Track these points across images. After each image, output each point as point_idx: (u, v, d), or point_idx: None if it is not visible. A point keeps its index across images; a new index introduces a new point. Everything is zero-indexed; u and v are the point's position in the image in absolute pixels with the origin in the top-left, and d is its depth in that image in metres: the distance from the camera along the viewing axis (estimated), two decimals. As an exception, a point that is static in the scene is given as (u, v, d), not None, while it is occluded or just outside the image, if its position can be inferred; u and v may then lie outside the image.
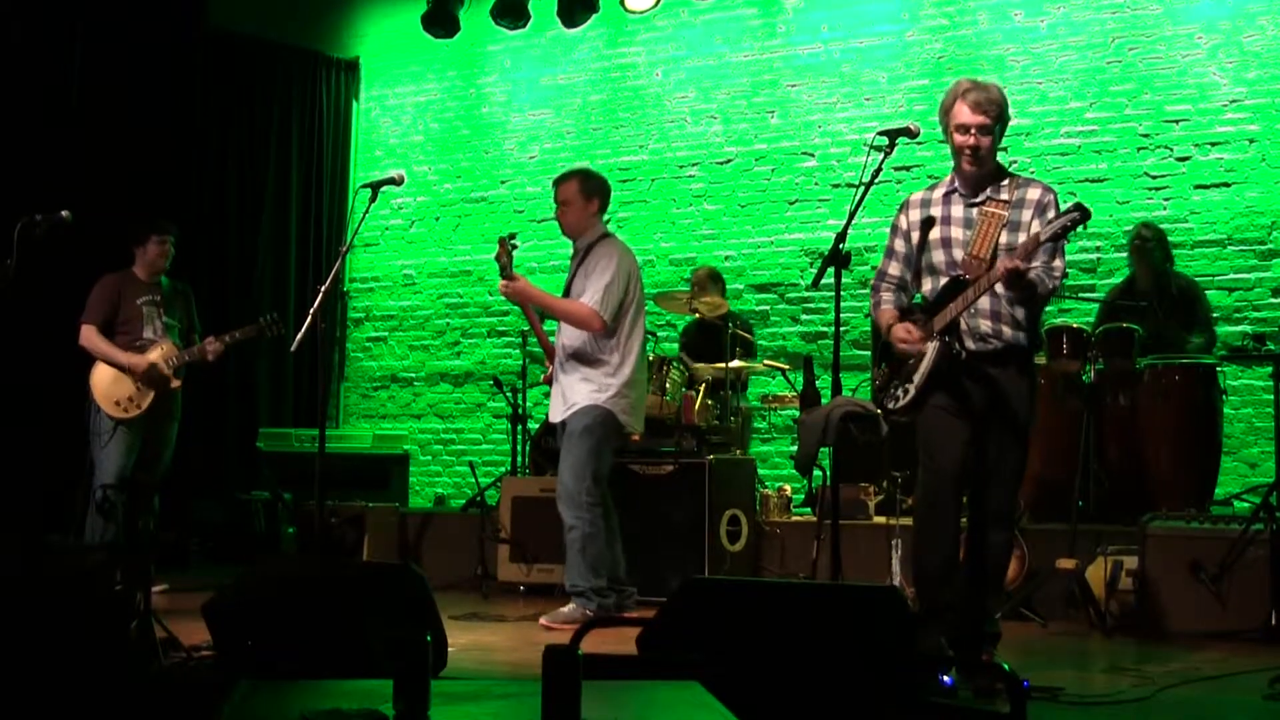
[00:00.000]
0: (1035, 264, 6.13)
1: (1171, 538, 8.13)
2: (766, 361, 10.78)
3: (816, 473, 8.74)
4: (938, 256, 6.35)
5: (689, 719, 3.09)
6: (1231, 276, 11.17)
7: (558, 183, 8.58)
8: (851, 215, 6.38)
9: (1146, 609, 8.04)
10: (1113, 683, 6.40)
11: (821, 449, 7.42)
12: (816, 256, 12.42)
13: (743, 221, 13.09)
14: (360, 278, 14.69)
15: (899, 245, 6.51)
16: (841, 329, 6.81)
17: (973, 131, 6.27)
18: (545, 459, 10.14)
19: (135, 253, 9.73)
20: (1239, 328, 10.78)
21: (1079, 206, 5.98)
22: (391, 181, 8.18)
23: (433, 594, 5.31)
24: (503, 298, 8.59)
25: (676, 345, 11.30)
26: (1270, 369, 8.94)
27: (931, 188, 6.53)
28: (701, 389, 9.98)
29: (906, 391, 6.33)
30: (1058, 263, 6.20)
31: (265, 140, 14.04)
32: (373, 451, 12.14)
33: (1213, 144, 11.42)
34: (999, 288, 6.08)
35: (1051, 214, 6.18)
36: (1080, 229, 6.04)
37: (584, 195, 8.46)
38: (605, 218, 8.59)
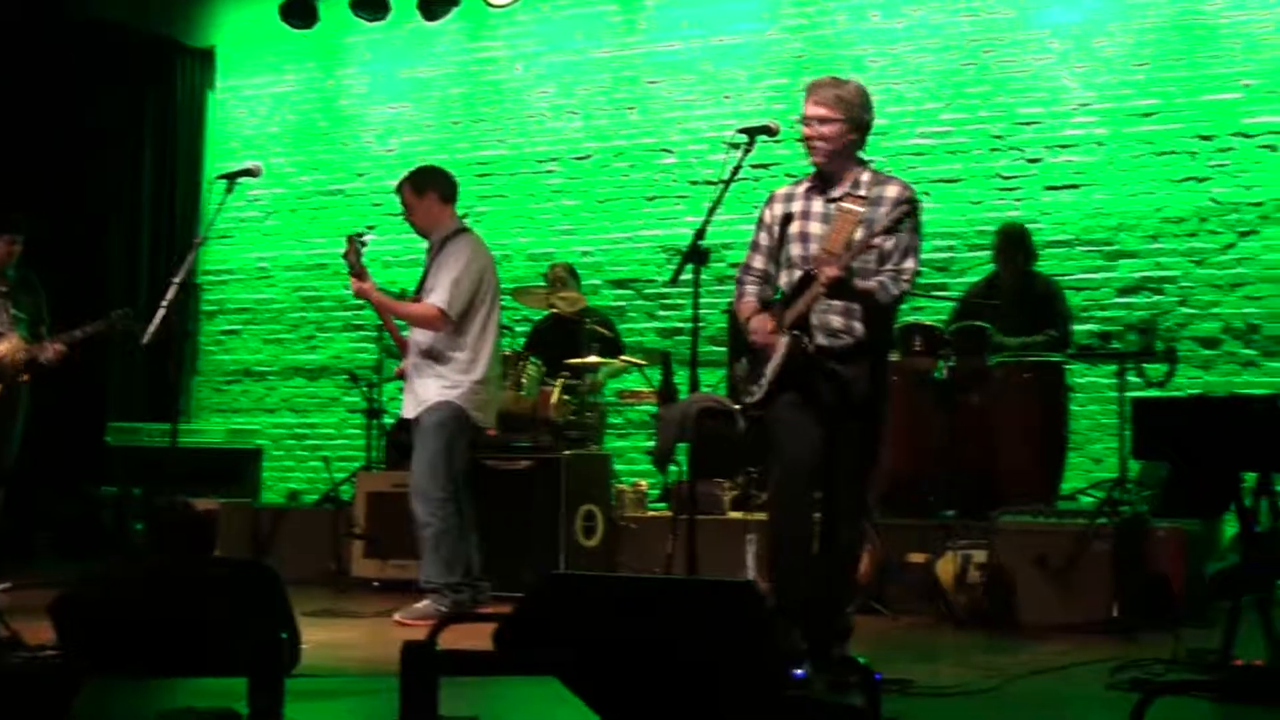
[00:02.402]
0: (887, 267, 6.19)
1: (1019, 532, 8.24)
2: (624, 357, 10.78)
3: (673, 468, 8.76)
4: (794, 250, 6.39)
5: (548, 715, 3.08)
6: (1079, 276, 11.31)
7: (396, 191, 8.56)
8: (711, 212, 6.41)
9: (995, 602, 8.14)
10: (962, 674, 6.48)
11: (679, 444, 7.44)
12: (674, 253, 12.41)
13: (601, 217, 13.09)
14: (214, 270, 14.51)
15: (763, 239, 6.55)
16: (699, 325, 6.84)
17: (813, 124, 6.35)
18: (400, 454, 10.08)
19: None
20: (1085, 327, 10.92)
21: (908, 201, 6.07)
22: (248, 173, 8.11)
23: (286, 590, 5.26)
24: (355, 293, 8.55)
25: (524, 341, 11.24)
26: (1115, 367, 9.08)
27: (797, 183, 6.57)
28: (557, 384, 9.96)
29: (761, 386, 6.36)
30: (908, 264, 6.25)
31: (117, 130, 13.85)
32: (225, 446, 12.01)
33: (1063, 146, 11.58)
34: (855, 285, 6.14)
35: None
36: (926, 226, 6.11)
37: (416, 194, 8.44)
38: (462, 213, 8.56)
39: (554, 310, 10.95)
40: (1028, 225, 10.79)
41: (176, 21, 14.53)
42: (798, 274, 6.30)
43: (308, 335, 14.17)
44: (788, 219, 6.43)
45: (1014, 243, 10.11)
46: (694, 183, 12.66)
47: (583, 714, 3.02)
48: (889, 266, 6.22)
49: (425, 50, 13.97)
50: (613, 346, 10.73)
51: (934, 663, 6.95)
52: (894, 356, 9.24)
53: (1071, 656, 6.96)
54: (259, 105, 14.67)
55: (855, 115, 6.38)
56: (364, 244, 8.36)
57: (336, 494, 10.32)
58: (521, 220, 13.32)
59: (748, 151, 6.58)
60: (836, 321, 6.26)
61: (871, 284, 6.16)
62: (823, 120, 6.35)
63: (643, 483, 10.29)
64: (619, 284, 12.93)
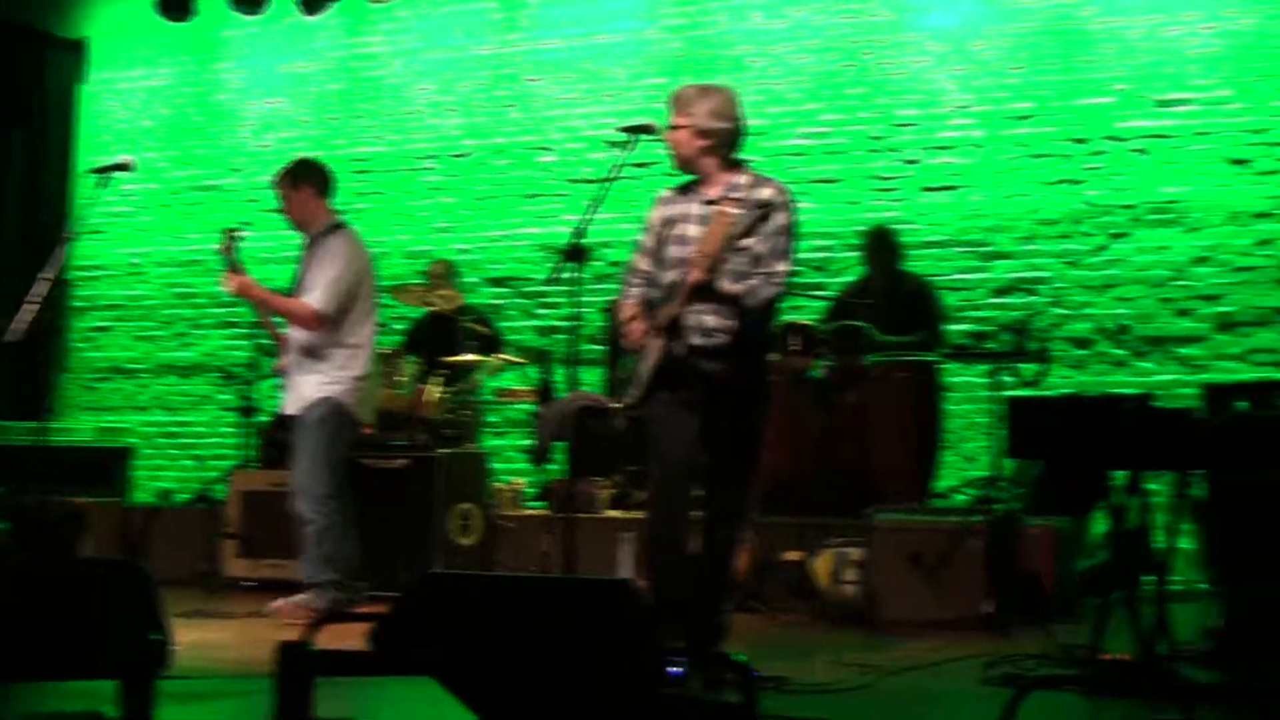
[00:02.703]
0: (759, 270, 6.23)
1: (894, 530, 8.28)
2: (501, 356, 10.75)
3: (550, 466, 8.75)
4: (672, 252, 6.41)
5: (424, 715, 3.07)
6: (955, 277, 11.42)
7: (273, 183, 8.49)
8: (591, 211, 6.42)
9: (870, 599, 8.18)
10: (837, 672, 6.53)
11: (557, 442, 7.45)
12: (553, 251, 12.39)
13: (479, 215, 13.05)
14: (85, 266, 14.29)
15: (648, 240, 6.56)
16: (578, 324, 6.84)
17: (666, 130, 6.46)
18: (277, 452, 9.98)
19: None
20: (960, 326, 11.02)
21: (764, 203, 6.12)
22: (121, 167, 8.00)
23: (158, 591, 5.20)
24: (229, 290, 8.46)
25: (401, 338, 11.19)
26: (988, 367, 9.17)
27: (681, 186, 6.59)
28: (435, 382, 9.92)
29: (636, 387, 6.38)
30: (780, 266, 6.29)
31: (-14, 122, 13.67)
32: (95, 444, 11.86)
33: (940, 148, 11.69)
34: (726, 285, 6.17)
35: (782, 216, 6.29)
36: (804, 226, 6.17)
37: (294, 187, 8.36)
38: (339, 209, 8.51)
39: (431, 308, 10.90)
40: (904, 226, 10.88)
41: (47, 12, 14.33)
42: (674, 276, 6.32)
43: (181, 332, 14.02)
44: (669, 221, 6.47)
45: (881, 244, 10.19)
46: (573, 181, 12.64)
47: (459, 714, 3.02)
48: (761, 269, 6.26)
49: (304, 45, 13.86)
50: (490, 344, 10.70)
51: (810, 660, 6.97)
52: (772, 357, 9.28)
53: (945, 653, 7.03)
54: (133, 99, 14.49)
55: (697, 121, 6.41)
56: (240, 239, 8.28)
57: (209, 493, 10.21)
58: (399, 217, 13.25)
59: (629, 150, 6.60)
60: (711, 321, 6.27)
61: (740, 287, 6.19)
62: (672, 127, 6.45)
63: (520, 481, 10.27)
64: (497, 282, 12.89)
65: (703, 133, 6.39)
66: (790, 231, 6.35)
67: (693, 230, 6.36)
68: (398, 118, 13.48)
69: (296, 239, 8.54)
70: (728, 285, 6.17)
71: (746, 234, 6.11)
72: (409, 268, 12.77)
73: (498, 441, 12.18)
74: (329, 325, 8.12)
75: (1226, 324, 10.83)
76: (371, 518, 8.75)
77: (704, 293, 6.12)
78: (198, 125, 14.22)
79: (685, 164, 6.46)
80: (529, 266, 12.78)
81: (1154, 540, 6.72)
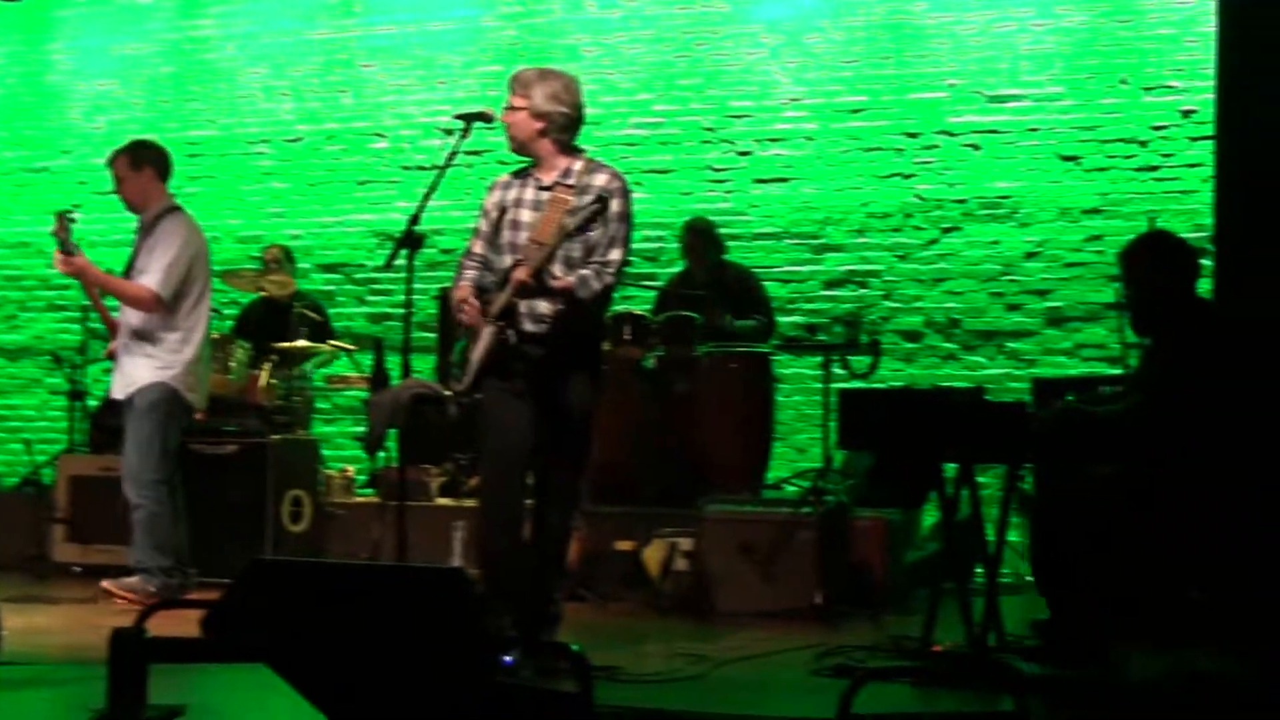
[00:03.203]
0: (593, 259, 6.25)
1: (725, 520, 8.32)
2: (332, 342, 10.68)
3: (382, 454, 8.72)
4: (506, 238, 6.41)
5: (257, 701, 3.06)
6: (787, 269, 11.52)
7: (109, 162, 8.37)
8: (425, 198, 6.40)
9: (701, 589, 8.22)
10: (669, 661, 6.55)
11: (389, 430, 7.41)
12: (385, 238, 12.34)
13: (312, 200, 12.94)
14: (-92, 247, 14.03)
15: (483, 225, 6.54)
16: (411, 311, 6.82)
17: (504, 111, 6.46)
18: (106, 438, 9.84)
19: None
20: (792, 318, 11.12)
21: (599, 197, 6.14)
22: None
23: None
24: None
25: (233, 324, 11.08)
26: (820, 359, 9.25)
27: (517, 172, 6.59)
28: (266, 368, 9.84)
29: (468, 373, 6.36)
30: (614, 255, 6.31)
31: None
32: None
33: (773, 140, 11.77)
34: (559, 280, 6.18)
35: (617, 203, 6.31)
36: (636, 217, 6.19)
37: (133, 168, 8.25)
38: (172, 192, 8.41)
39: (263, 293, 10.81)
40: (736, 217, 10.95)
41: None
42: (508, 261, 6.31)
43: (9, 315, 13.76)
44: (504, 206, 6.47)
45: (699, 237, 10.19)
46: (406, 168, 12.58)
47: (292, 700, 3.01)
48: (595, 259, 6.28)
49: (136, 27, 13.64)
50: (322, 331, 10.63)
51: (641, 650, 7.01)
52: (605, 346, 9.30)
53: (776, 643, 7.07)
54: (-40, 78, 14.22)
55: (536, 104, 6.41)
56: (73, 220, 8.15)
57: (37, 477, 10.05)
58: (231, 202, 13.10)
59: (464, 138, 6.59)
60: (544, 308, 6.27)
61: (571, 279, 6.19)
62: (510, 109, 6.44)
63: (350, 469, 10.21)
64: (329, 268, 12.81)
65: (540, 115, 6.39)
66: (625, 219, 6.37)
67: (526, 216, 6.36)
68: (230, 101, 13.32)
69: (127, 222, 8.43)
70: (559, 277, 6.18)
71: (583, 229, 6.12)
72: (241, 252, 12.64)
73: (329, 428, 12.10)
74: (165, 308, 8.03)
75: (1056, 319, 11.02)
76: (202, 504, 8.68)
77: (530, 292, 6.12)
78: (28, 106, 13.95)
79: (521, 147, 6.46)
80: (361, 253, 12.70)
81: (984, 533, 6.84)
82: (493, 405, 6.39)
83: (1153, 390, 6.17)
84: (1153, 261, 6.35)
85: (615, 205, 6.31)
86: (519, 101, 6.41)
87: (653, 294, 10.47)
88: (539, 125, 6.40)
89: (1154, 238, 6.88)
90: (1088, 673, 5.89)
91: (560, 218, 6.16)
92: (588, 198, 6.26)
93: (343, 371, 11.09)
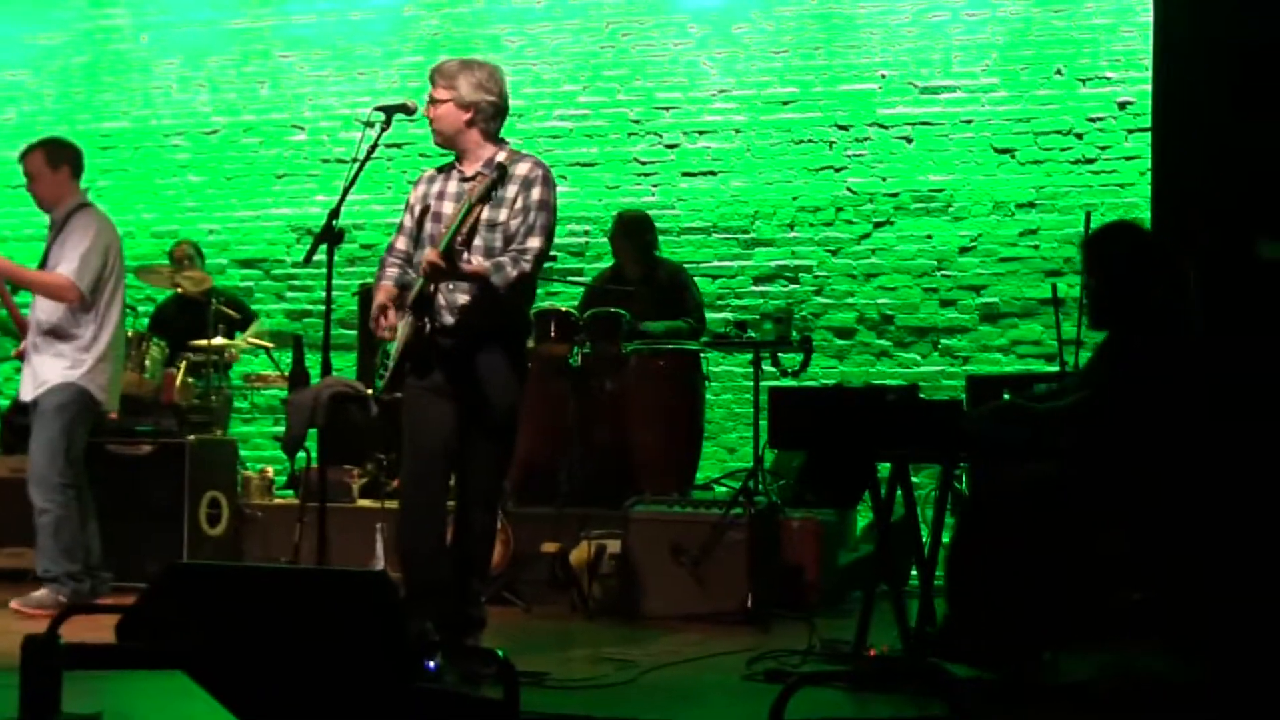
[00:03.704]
0: (511, 247, 6.25)
1: (654, 521, 8.32)
2: (250, 339, 10.63)
3: (301, 454, 8.69)
4: (429, 231, 6.40)
5: (175, 708, 3.04)
6: (716, 264, 11.55)
7: (22, 157, 8.31)
8: (346, 191, 6.38)
9: (629, 592, 8.23)
10: (597, 666, 6.57)
11: (309, 429, 7.40)
12: (303, 233, 12.31)
13: (229, 194, 12.87)
14: None
15: (406, 220, 6.54)
16: (331, 307, 6.79)
17: (428, 104, 6.43)
18: (16, 438, 9.76)
19: None
20: (722, 315, 11.14)
21: (499, 166, 6.14)
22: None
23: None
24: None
25: (147, 321, 11.02)
26: (750, 356, 9.26)
27: (441, 166, 6.59)
28: (182, 366, 9.79)
29: (388, 370, 6.36)
30: (532, 242, 6.29)
31: None
32: None
33: (701, 132, 11.79)
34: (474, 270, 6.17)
35: (538, 190, 6.31)
36: (561, 210, 6.18)
37: (50, 165, 8.20)
38: (84, 186, 8.36)
39: (179, 290, 10.75)
40: (664, 211, 10.95)
41: None
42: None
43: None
44: (427, 199, 6.46)
45: (630, 232, 10.14)
46: (326, 161, 12.54)
47: (211, 707, 2.99)
48: (513, 246, 6.28)
49: (48, 16, 13.53)
50: (240, 328, 10.59)
51: (568, 654, 7.02)
52: (529, 343, 9.29)
53: (707, 647, 7.08)
54: None
55: (464, 94, 6.41)
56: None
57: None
58: (145, 196, 13.02)
59: (384, 130, 6.58)
60: (464, 300, 6.27)
61: (485, 265, 6.18)
62: (433, 100, 6.44)
63: (269, 469, 10.17)
64: (246, 264, 12.75)
65: (466, 105, 6.39)
66: (546, 207, 6.36)
67: (448, 208, 6.36)
68: (144, 93, 13.23)
69: (39, 217, 8.38)
70: (473, 263, 6.17)
71: (485, 199, 6.08)
72: (156, 248, 12.56)
73: (247, 428, 12.06)
74: (82, 300, 7.98)
75: (991, 315, 11.08)
76: (116, 506, 8.64)
77: (440, 275, 6.10)
78: (-67, 97, 13.84)
79: (447, 140, 6.46)
80: (279, 248, 12.66)
81: (919, 534, 6.87)
82: (412, 403, 6.39)
83: (1106, 386, 6.18)
84: (1116, 254, 6.31)
85: (536, 193, 6.31)
86: (444, 93, 6.40)
87: (578, 290, 10.46)
88: (466, 116, 6.40)
89: (1116, 226, 6.85)
90: (1020, 674, 5.91)
91: (465, 203, 6.14)
92: (511, 187, 6.26)
93: (261, 370, 11.05)
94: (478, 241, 6.17)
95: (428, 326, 6.24)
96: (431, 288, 6.22)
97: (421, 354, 6.28)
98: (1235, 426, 6.29)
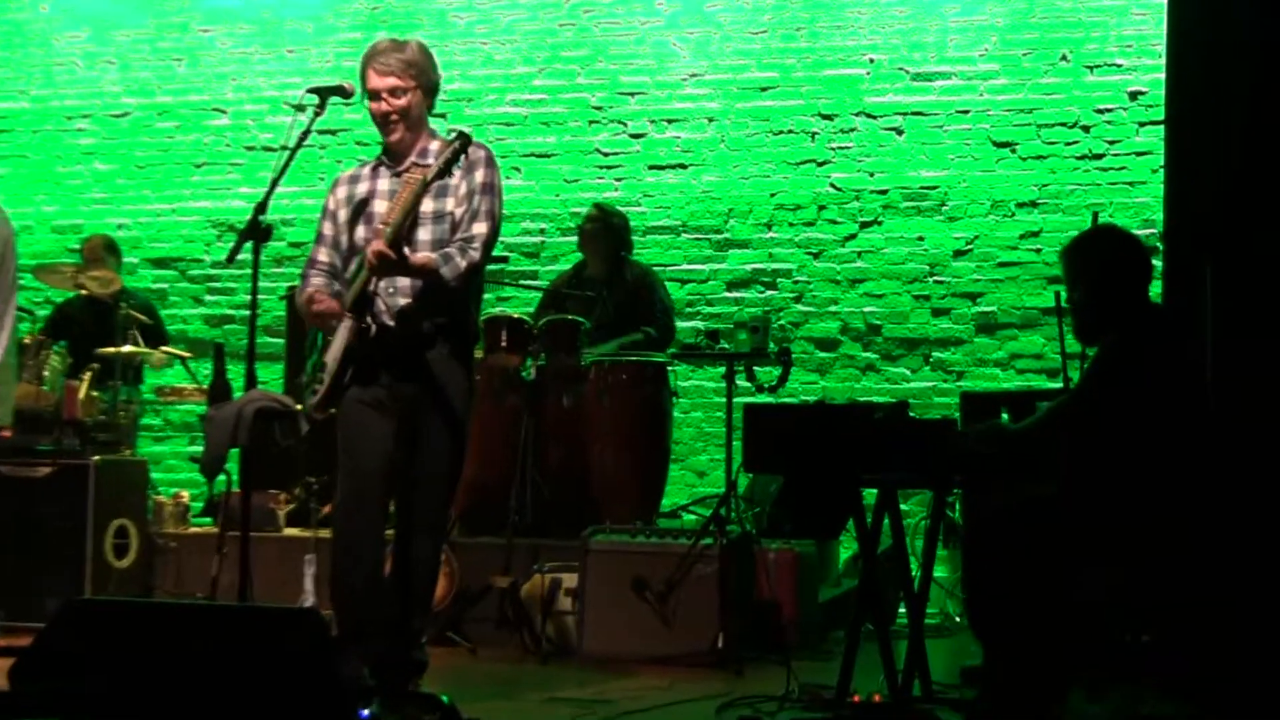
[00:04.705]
0: (456, 236, 6.24)
1: (615, 553, 8.31)
2: (165, 348, 10.59)
3: (221, 477, 8.66)
4: (360, 233, 6.39)
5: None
6: (685, 267, 11.56)
7: None
8: (274, 182, 6.35)
9: (586, 632, 8.21)
10: (551, 713, 6.57)
11: (231, 450, 7.36)
12: (225, 229, 12.28)
13: (141, 185, 12.83)
14: None
15: (327, 229, 6.53)
16: (256, 312, 6.76)
17: (384, 97, 6.40)
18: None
19: None
20: (691, 323, 11.14)
21: (460, 134, 6.12)
22: None
23: None
24: None
25: (46, 326, 10.96)
26: (723, 369, 9.25)
27: (364, 164, 6.59)
28: (86, 378, 9.74)
29: (323, 382, 6.31)
30: (478, 228, 6.29)
31: None
32: None
33: (669, 121, 11.79)
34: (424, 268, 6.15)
35: (481, 173, 6.30)
36: (514, 206, 6.16)
37: None
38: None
39: (83, 291, 10.70)
40: (628, 208, 10.93)
41: None
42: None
43: None
44: (354, 202, 6.43)
45: (602, 228, 10.13)
46: (250, 149, 12.50)
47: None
48: (458, 235, 6.26)
49: (-67, -16, 13.52)
50: (153, 335, 10.54)
51: (519, 700, 7.02)
52: (478, 353, 9.27)
53: (673, 693, 7.10)
54: None
55: (430, 80, 6.43)
56: None
57: None
58: (46, 185, 12.98)
59: (318, 114, 6.55)
60: (406, 304, 6.25)
61: (433, 257, 6.17)
62: (395, 91, 6.39)
63: (185, 494, 10.13)
64: (160, 263, 12.70)
65: (431, 91, 6.43)
66: (491, 190, 6.35)
67: (381, 207, 6.35)
68: (45, 70, 13.18)
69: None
70: (417, 255, 6.14)
71: (439, 176, 6.06)
72: (58, 244, 12.55)
73: (160, 448, 12.02)
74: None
75: (988, 325, 11.10)
76: (10, 535, 8.62)
77: (390, 266, 6.07)
78: None
79: (404, 139, 6.43)
80: (197, 246, 12.61)
81: (908, 567, 6.87)
82: (349, 418, 6.36)
83: (1073, 398, 6.20)
84: (1100, 261, 6.35)
85: (480, 175, 6.31)
86: (404, 82, 6.37)
87: (532, 295, 10.45)
88: (428, 102, 6.43)
89: (1101, 233, 6.91)
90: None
91: (413, 190, 6.11)
92: (457, 172, 6.24)
93: (177, 382, 11.01)
94: (425, 235, 6.20)
95: (372, 329, 6.21)
96: (372, 286, 6.20)
97: (362, 364, 6.25)
98: (1235, 439, 6.31)
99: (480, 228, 6.29)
